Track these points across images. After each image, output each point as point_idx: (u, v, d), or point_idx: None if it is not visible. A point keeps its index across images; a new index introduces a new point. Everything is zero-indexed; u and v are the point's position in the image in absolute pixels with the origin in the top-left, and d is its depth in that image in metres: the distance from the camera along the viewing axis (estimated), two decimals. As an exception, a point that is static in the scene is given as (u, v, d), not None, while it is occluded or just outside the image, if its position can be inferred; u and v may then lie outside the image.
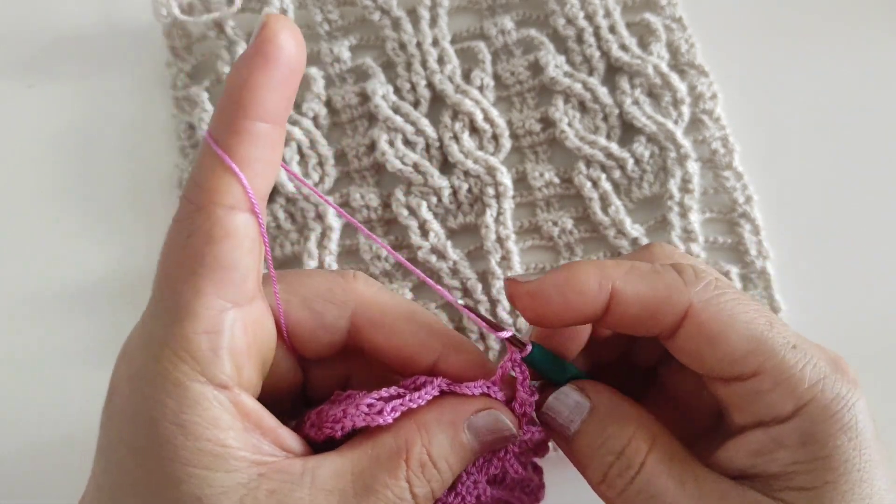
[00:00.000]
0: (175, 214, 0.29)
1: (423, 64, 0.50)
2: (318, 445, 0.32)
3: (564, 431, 0.33)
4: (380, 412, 0.30)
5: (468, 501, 0.34)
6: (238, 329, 0.29)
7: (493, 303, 0.47)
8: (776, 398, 0.29)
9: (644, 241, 0.47)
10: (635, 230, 0.47)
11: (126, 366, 0.29)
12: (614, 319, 0.31)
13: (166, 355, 0.27)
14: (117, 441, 0.28)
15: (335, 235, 0.48)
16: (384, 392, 0.32)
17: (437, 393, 0.32)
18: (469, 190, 0.48)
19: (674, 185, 0.48)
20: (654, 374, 0.37)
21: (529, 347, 0.33)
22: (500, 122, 0.50)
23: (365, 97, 0.51)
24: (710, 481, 0.30)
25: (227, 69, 0.51)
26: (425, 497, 0.30)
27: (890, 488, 0.30)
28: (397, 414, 0.31)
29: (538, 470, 0.38)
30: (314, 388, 0.35)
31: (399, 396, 0.31)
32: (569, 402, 0.33)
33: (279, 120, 0.29)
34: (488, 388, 0.32)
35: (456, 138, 0.49)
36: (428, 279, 0.34)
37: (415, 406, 0.31)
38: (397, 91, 0.51)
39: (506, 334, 0.33)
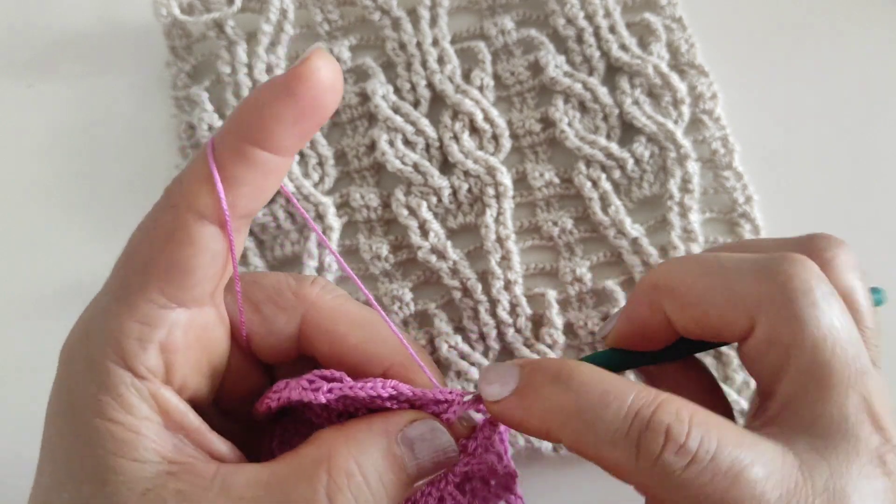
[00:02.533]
0: (156, 202, 0.29)
1: (423, 64, 0.50)
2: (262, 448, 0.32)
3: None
4: (317, 389, 0.30)
5: None
6: (178, 328, 0.28)
7: (494, 303, 0.46)
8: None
9: (644, 241, 0.47)
10: (635, 230, 0.47)
11: (67, 339, 0.29)
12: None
13: (96, 337, 0.28)
14: (51, 414, 0.29)
15: (335, 235, 0.48)
16: (329, 373, 0.31)
17: (385, 394, 0.29)
18: (469, 190, 0.48)
19: (674, 185, 0.48)
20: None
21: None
22: (500, 122, 0.49)
23: (365, 97, 0.51)
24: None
25: (227, 69, 0.51)
26: None
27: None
28: (333, 396, 0.29)
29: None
30: None
31: (342, 381, 0.30)
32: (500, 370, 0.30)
33: (286, 152, 0.28)
34: (447, 399, 0.30)
35: (456, 138, 0.49)
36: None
37: (352, 394, 0.29)
38: (397, 91, 0.51)
39: (466, 398, 0.31)
